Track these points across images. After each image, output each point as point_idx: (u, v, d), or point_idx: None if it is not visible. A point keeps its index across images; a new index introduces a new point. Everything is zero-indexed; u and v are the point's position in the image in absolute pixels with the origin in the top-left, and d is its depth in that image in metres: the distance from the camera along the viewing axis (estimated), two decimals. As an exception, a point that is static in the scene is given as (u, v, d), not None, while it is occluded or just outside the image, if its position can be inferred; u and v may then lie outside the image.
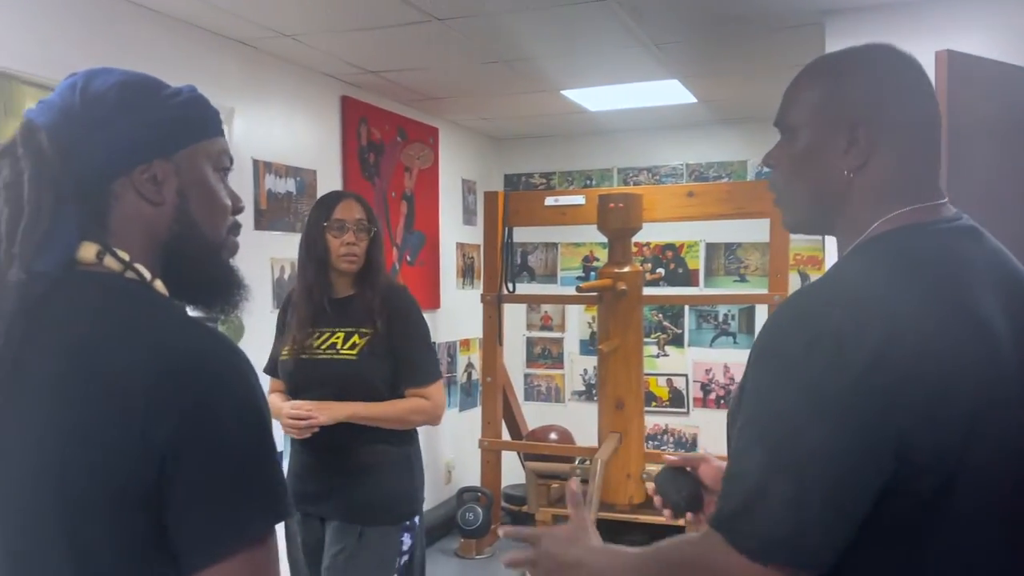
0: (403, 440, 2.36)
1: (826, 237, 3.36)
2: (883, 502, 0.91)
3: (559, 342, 5.67)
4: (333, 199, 2.40)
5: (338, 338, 2.31)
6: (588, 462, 4.51)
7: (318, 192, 3.98)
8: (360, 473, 2.28)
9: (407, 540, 2.33)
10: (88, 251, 0.91)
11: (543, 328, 5.75)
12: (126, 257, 0.93)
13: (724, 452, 1.05)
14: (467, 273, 5.44)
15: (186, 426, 0.82)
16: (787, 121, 1.11)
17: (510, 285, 4.93)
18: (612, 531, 4.42)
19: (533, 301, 5.59)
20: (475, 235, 5.46)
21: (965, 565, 0.95)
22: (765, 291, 4.53)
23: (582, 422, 4.98)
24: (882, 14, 3.05)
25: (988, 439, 0.92)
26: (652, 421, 5.27)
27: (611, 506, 4.23)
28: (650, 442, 5.18)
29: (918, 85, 1.06)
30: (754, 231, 4.89)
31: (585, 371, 5.61)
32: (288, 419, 2.21)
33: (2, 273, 0.87)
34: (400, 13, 3.12)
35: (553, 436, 4.90)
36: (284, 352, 2.37)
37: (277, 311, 2.61)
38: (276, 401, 2.35)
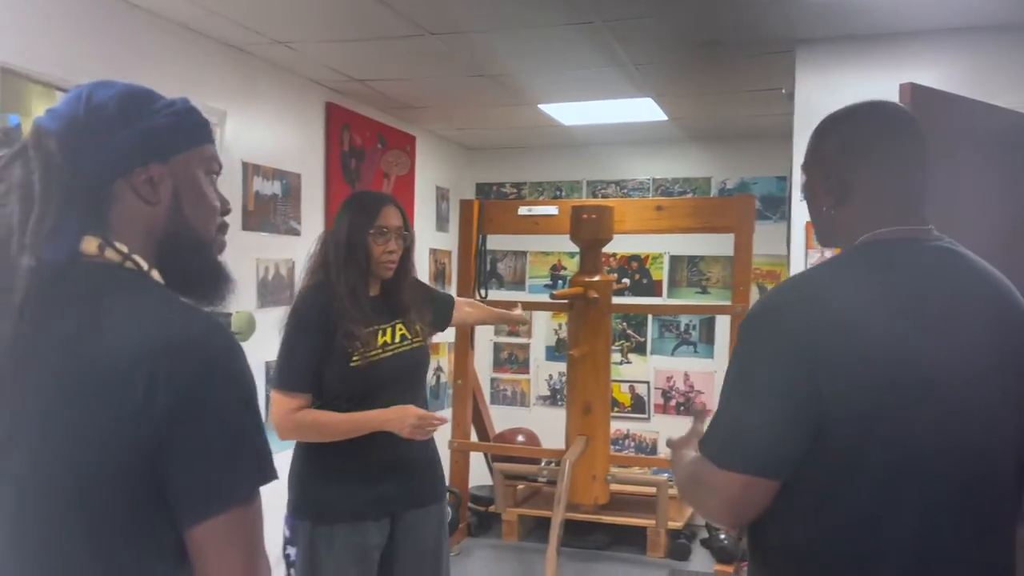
0: None
1: (791, 256, 3.63)
2: (807, 453, 1.18)
3: (525, 348, 5.81)
4: (375, 205, 2.32)
5: (402, 329, 2.37)
6: (555, 463, 4.64)
7: (302, 194, 4.06)
8: (428, 455, 2.41)
9: None
10: (90, 244, 1.02)
11: (510, 334, 5.88)
12: (125, 249, 1.03)
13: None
14: (439, 278, 5.55)
15: (184, 396, 0.93)
16: (801, 164, 1.44)
17: (482, 291, 5.05)
18: (577, 531, 4.58)
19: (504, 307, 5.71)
20: (447, 241, 5.57)
21: (873, 518, 1.19)
22: (726, 302, 4.73)
23: (547, 426, 5.12)
24: (850, 45, 3.23)
25: (906, 408, 1.17)
26: (614, 426, 5.42)
27: (576, 506, 4.36)
28: (612, 446, 5.33)
29: (888, 135, 1.32)
30: (716, 245, 5.09)
31: (550, 376, 5.75)
32: (419, 422, 2.21)
33: (15, 262, 0.97)
34: (395, 26, 3.24)
35: (520, 438, 5.01)
36: (355, 359, 2.23)
37: (257, 310, 2.59)
38: (372, 414, 2.23)
